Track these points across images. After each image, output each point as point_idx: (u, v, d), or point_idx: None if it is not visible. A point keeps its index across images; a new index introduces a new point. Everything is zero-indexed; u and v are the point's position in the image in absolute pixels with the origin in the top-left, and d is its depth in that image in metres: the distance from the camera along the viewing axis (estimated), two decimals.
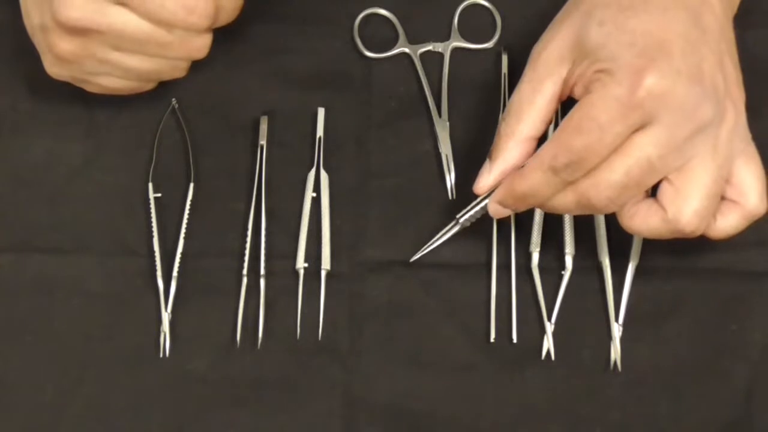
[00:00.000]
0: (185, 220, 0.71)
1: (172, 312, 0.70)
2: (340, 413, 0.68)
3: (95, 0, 0.64)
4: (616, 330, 0.69)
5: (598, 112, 0.59)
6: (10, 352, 0.70)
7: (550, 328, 0.69)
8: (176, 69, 0.69)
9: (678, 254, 0.70)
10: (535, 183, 0.62)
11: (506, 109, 0.65)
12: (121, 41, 0.65)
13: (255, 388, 0.69)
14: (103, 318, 0.70)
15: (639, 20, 0.60)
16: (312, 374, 0.69)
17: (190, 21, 0.64)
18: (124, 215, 0.72)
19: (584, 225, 0.71)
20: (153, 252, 0.70)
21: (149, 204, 0.72)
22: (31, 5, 0.66)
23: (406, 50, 0.76)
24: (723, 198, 0.63)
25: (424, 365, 0.69)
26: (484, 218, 0.68)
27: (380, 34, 0.76)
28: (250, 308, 0.70)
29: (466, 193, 0.69)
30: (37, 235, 0.72)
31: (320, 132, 0.74)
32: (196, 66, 0.70)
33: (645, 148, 0.60)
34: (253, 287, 0.70)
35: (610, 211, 0.63)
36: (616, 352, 0.69)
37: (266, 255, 0.71)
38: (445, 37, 0.76)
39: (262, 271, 0.70)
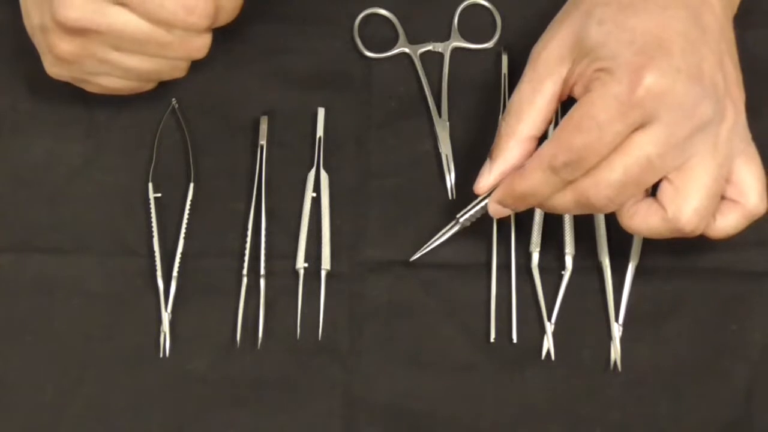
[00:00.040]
0: (185, 220, 0.71)
1: (172, 312, 0.70)
2: (340, 413, 0.68)
3: (95, 0, 0.64)
4: (616, 330, 0.69)
5: (598, 111, 0.59)
6: (10, 352, 0.70)
7: (550, 328, 0.69)
8: (176, 69, 0.69)
9: (678, 254, 0.70)
10: (535, 182, 0.62)
11: (506, 108, 0.65)
12: (120, 41, 0.65)
13: (255, 388, 0.69)
14: (103, 318, 0.70)
15: (639, 19, 0.60)
16: (312, 374, 0.69)
17: (190, 21, 0.64)
18: (124, 215, 0.72)
19: (584, 225, 0.71)
20: (153, 252, 0.70)
21: (149, 204, 0.72)
22: (31, 5, 0.66)
23: (406, 50, 0.76)
24: (723, 197, 0.63)
25: (424, 365, 0.69)
26: (484, 218, 0.68)
27: (380, 34, 0.76)
28: (250, 308, 0.70)
29: (466, 193, 0.69)
30: (37, 235, 0.72)
31: (320, 132, 0.74)
32: (196, 66, 0.70)
33: (644, 146, 0.60)
34: (253, 287, 0.70)
35: (609, 210, 0.63)
36: (616, 352, 0.69)
37: (266, 255, 0.71)
38: (445, 37, 0.76)
39: (262, 271, 0.70)
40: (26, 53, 0.70)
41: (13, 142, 0.74)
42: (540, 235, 0.71)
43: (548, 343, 0.69)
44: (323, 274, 0.70)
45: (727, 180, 0.63)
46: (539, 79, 0.64)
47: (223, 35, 0.69)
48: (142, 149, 0.73)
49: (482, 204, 0.67)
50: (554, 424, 0.68)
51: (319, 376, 0.69)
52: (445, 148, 0.73)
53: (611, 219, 0.67)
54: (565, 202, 0.63)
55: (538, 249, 0.70)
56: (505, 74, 0.75)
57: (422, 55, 0.76)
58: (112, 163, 0.73)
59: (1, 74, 0.75)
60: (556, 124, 0.62)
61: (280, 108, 0.74)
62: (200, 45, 0.67)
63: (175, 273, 0.70)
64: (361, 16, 0.76)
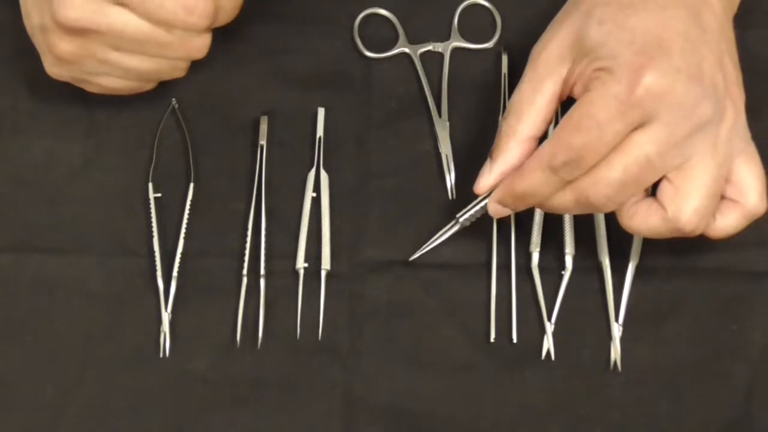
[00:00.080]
0: (185, 220, 0.71)
1: (172, 312, 0.70)
2: (340, 413, 0.68)
3: (95, 0, 0.64)
4: (616, 330, 0.69)
5: (597, 111, 0.59)
6: (10, 352, 0.70)
7: (550, 328, 0.69)
8: (176, 69, 0.69)
9: (678, 254, 0.70)
10: (535, 182, 0.62)
11: (507, 109, 0.65)
12: (120, 41, 0.65)
13: (255, 388, 0.69)
14: (103, 318, 0.70)
15: (639, 18, 0.60)
16: (312, 374, 0.69)
17: (190, 21, 0.64)
18: (124, 215, 0.72)
19: (584, 225, 0.71)
20: (153, 252, 0.70)
21: (149, 204, 0.72)
22: (31, 5, 0.66)
23: (406, 50, 0.76)
24: (723, 197, 0.63)
25: (424, 365, 0.69)
26: (484, 218, 0.68)
27: (380, 34, 0.76)
28: (250, 308, 0.70)
29: (466, 193, 0.69)
30: (37, 235, 0.72)
31: (320, 132, 0.74)
32: (196, 66, 0.70)
33: (644, 146, 0.60)
34: (253, 287, 0.70)
35: (609, 210, 0.63)
36: (616, 352, 0.69)
37: (266, 255, 0.71)
38: (445, 37, 0.76)
39: (262, 271, 0.70)
40: (26, 53, 0.70)
41: (13, 142, 0.74)
42: (540, 235, 0.71)
43: (548, 343, 0.69)
44: (323, 274, 0.70)
45: (727, 180, 0.63)
46: (539, 79, 0.64)
47: (223, 35, 0.69)
48: (142, 149, 0.73)
49: (482, 204, 0.67)
50: (554, 424, 0.68)
51: (319, 376, 0.69)
52: (445, 148, 0.73)
53: (611, 219, 0.67)
54: (564, 201, 0.63)
55: (538, 249, 0.70)
56: (505, 74, 0.75)
57: (422, 55, 0.76)
58: (112, 163, 0.73)
59: (1, 74, 0.75)
60: (556, 124, 0.62)
61: (280, 108, 0.74)
62: (200, 45, 0.67)
63: (175, 273, 0.70)
64: (361, 16, 0.76)
